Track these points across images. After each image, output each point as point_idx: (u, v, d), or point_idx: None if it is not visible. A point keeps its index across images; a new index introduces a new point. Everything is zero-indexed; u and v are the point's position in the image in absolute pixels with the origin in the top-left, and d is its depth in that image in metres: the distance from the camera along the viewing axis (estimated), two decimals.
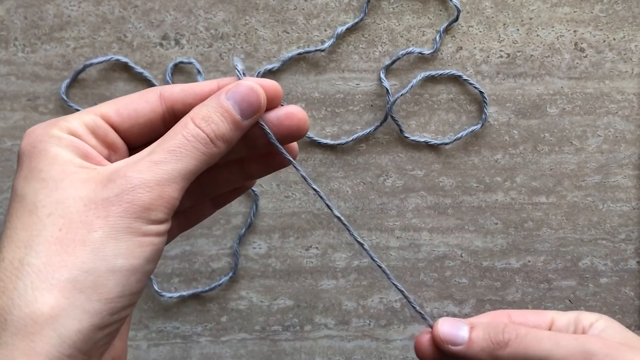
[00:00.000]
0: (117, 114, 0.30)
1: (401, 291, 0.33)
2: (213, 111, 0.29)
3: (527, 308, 0.46)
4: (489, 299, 0.46)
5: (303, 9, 0.45)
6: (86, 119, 0.29)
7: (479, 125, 0.45)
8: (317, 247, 0.46)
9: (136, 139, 0.31)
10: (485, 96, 0.45)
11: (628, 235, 0.46)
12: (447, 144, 0.45)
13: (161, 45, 0.46)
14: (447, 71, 0.45)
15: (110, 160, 0.30)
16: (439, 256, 0.46)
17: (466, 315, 0.46)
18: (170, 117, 0.30)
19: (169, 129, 0.29)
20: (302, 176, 0.33)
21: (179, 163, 0.28)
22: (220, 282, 0.46)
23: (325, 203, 0.33)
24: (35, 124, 0.45)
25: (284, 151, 0.31)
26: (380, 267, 0.33)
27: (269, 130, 0.31)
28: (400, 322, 0.46)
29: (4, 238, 0.27)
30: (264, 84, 0.30)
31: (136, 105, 0.30)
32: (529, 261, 0.46)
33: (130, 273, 0.26)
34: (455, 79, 0.45)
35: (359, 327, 0.46)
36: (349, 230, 0.33)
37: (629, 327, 0.46)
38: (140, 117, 0.30)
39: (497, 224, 0.46)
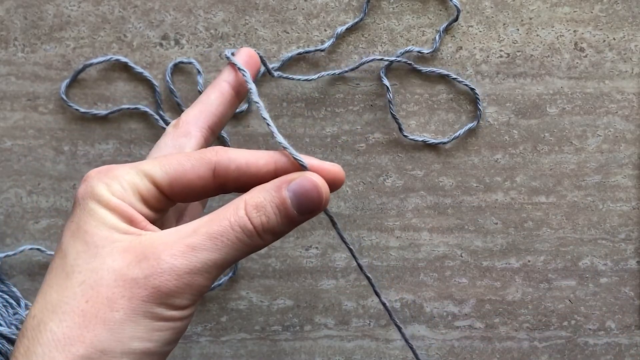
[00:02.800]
0: (170, 187, 0.29)
1: (383, 304, 0.32)
2: (269, 201, 0.28)
3: (527, 308, 0.46)
4: (489, 298, 0.46)
5: (303, 9, 0.45)
6: (140, 186, 0.29)
7: (475, 123, 0.45)
8: (317, 247, 0.46)
9: (185, 201, 0.31)
10: (477, 92, 0.45)
11: (628, 235, 0.46)
12: (445, 143, 0.45)
13: (161, 45, 0.46)
14: (436, 70, 0.45)
15: (158, 222, 0.30)
16: (439, 256, 0.46)
17: (466, 316, 0.46)
18: (225, 189, 0.30)
19: (222, 193, 0.29)
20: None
21: (216, 253, 0.27)
22: (220, 282, 0.46)
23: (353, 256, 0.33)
24: (35, 124, 0.45)
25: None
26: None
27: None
28: (400, 322, 0.46)
29: (41, 292, 0.28)
30: (328, 174, 0.30)
31: (189, 180, 0.29)
32: (529, 261, 0.46)
33: (146, 355, 0.27)
34: (455, 79, 0.45)
35: (359, 327, 0.46)
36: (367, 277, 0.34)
37: (629, 327, 0.46)
38: (192, 191, 0.30)
39: (497, 223, 0.46)
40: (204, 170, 0.29)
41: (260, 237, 0.28)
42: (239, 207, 0.28)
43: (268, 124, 0.31)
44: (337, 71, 0.45)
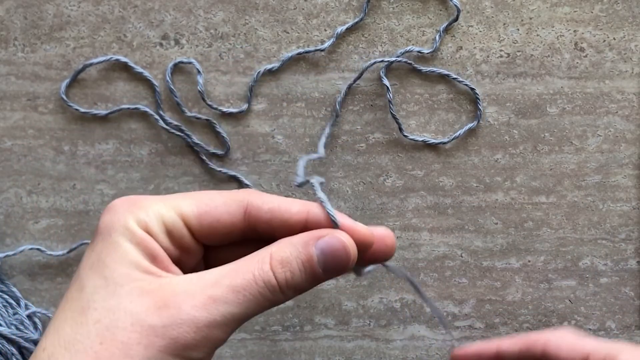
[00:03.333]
0: (198, 221, 0.28)
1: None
2: (295, 257, 0.28)
3: (528, 308, 0.46)
4: (489, 299, 0.46)
5: (303, 9, 0.45)
6: (166, 217, 0.28)
7: (475, 123, 0.45)
8: None
9: (211, 242, 0.30)
10: (477, 92, 0.45)
11: (628, 235, 0.46)
12: (445, 143, 0.45)
13: (161, 45, 0.45)
14: (436, 70, 0.45)
15: (180, 262, 0.29)
16: (439, 256, 0.46)
17: (466, 316, 0.46)
18: (252, 232, 0.29)
19: (247, 237, 0.29)
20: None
21: (238, 307, 0.27)
22: None
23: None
24: (35, 124, 0.45)
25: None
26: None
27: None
28: (400, 322, 0.46)
29: (53, 324, 0.27)
30: (359, 236, 0.29)
31: (219, 215, 0.29)
32: (529, 261, 0.46)
33: None
34: (455, 79, 0.45)
35: (359, 327, 0.46)
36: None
37: (629, 327, 0.46)
38: (221, 227, 0.29)
39: (497, 223, 0.46)
40: (235, 208, 0.29)
41: (282, 293, 0.28)
42: (264, 260, 0.27)
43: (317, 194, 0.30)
44: (343, 85, 0.45)
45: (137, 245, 0.27)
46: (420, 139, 0.45)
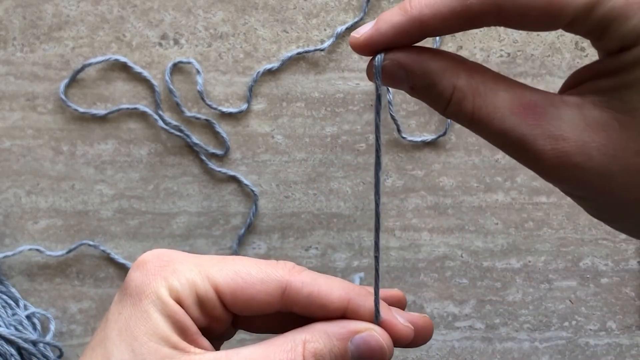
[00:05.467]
0: (233, 296, 0.27)
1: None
2: (329, 350, 0.27)
3: (528, 308, 0.46)
4: (490, 299, 0.46)
5: (302, 9, 0.45)
6: (200, 288, 0.27)
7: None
8: (316, 247, 0.46)
9: (243, 314, 0.29)
10: None
11: (628, 235, 0.46)
12: (443, 134, 0.45)
13: (160, 44, 0.45)
14: None
15: (209, 329, 0.28)
16: (439, 256, 0.46)
17: (466, 316, 0.46)
18: (287, 311, 0.28)
19: (279, 312, 0.28)
20: None
21: None
22: None
23: None
24: (34, 124, 0.45)
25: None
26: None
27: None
28: None
29: None
30: (398, 334, 0.28)
31: (255, 292, 0.27)
32: (530, 261, 0.46)
33: None
34: None
35: None
36: None
37: (629, 327, 0.46)
38: (255, 304, 0.28)
39: (497, 224, 0.46)
40: (273, 288, 0.27)
41: None
42: (297, 349, 0.27)
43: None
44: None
45: (167, 318, 0.26)
46: (419, 139, 0.45)
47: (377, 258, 0.28)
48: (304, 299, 0.28)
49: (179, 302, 0.27)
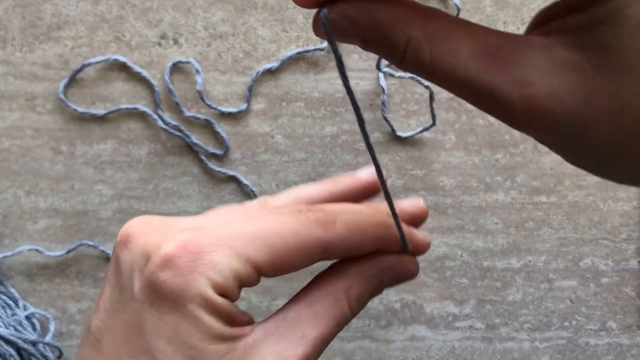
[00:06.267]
0: (272, 269, 0.26)
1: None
2: (368, 292, 0.28)
3: (528, 308, 0.46)
4: (490, 299, 0.46)
5: (302, 8, 0.45)
6: (242, 275, 0.25)
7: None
8: None
9: (277, 275, 0.28)
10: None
11: (629, 235, 0.46)
12: (434, 124, 0.45)
13: (159, 44, 0.45)
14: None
15: None
16: (439, 256, 0.46)
17: (467, 316, 0.46)
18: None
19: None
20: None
21: (320, 352, 0.26)
22: None
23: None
24: (33, 124, 0.45)
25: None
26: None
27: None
28: (400, 322, 0.46)
29: None
30: (422, 250, 0.30)
31: (295, 260, 0.27)
32: (530, 261, 0.46)
33: None
34: None
35: (359, 327, 0.46)
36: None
37: (630, 327, 0.46)
38: (293, 269, 0.27)
39: (497, 223, 0.46)
40: (312, 253, 0.27)
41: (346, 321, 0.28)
42: (342, 301, 0.27)
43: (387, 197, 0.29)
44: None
45: (218, 315, 0.25)
46: (411, 133, 0.45)
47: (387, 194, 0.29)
48: (342, 252, 0.28)
49: (225, 295, 0.25)
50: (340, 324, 0.27)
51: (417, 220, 0.31)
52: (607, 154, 0.23)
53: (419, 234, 0.30)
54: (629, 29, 0.21)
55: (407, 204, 0.31)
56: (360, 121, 0.26)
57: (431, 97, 0.44)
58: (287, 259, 0.26)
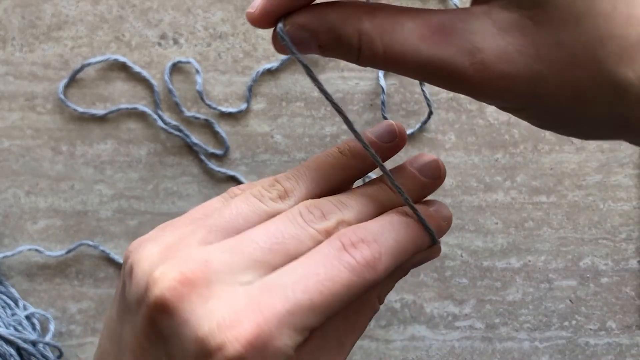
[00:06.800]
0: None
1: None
2: (394, 284, 0.29)
3: (528, 308, 0.46)
4: (490, 299, 0.46)
5: None
6: (302, 339, 0.24)
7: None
8: None
9: None
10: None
11: (629, 235, 0.46)
12: (431, 114, 0.45)
13: (159, 44, 0.45)
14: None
15: None
16: (439, 256, 0.46)
17: (466, 316, 0.46)
18: None
19: None
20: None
21: None
22: None
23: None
24: (33, 124, 0.45)
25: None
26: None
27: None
28: (400, 322, 0.46)
29: None
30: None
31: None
32: (530, 261, 0.46)
33: None
34: None
35: None
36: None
37: (630, 327, 0.46)
38: None
39: (497, 223, 0.46)
40: (364, 291, 0.26)
41: None
42: (375, 305, 0.28)
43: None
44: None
45: None
46: (413, 130, 0.45)
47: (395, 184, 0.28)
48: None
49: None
50: (370, 320, 0.28)
51: (398, 146, 0.30)
52: (569, 108, 0.24)
53: (440, 212, 0.29)
54: None
55: (379, 130, 0.30)
56: (347, 122, 0.26)
57: (421, 82, 0.44)
58: (342, 309, 0.26)
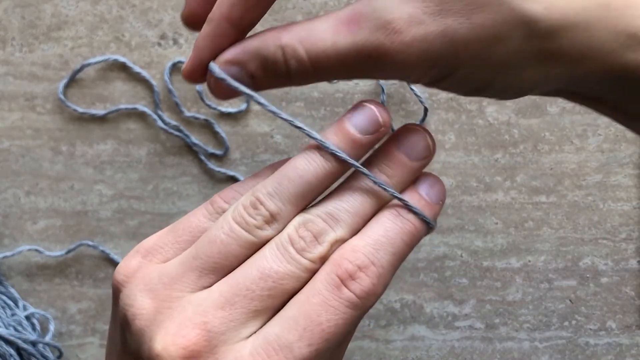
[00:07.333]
0: None
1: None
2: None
3: (528, 308, 0.46)
4: (489, 299, 0.46)
5: (302, 8, 0.45)
6: None
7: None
8: None
9: None
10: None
11: (629, 235, 0.46)
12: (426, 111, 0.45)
13: (159, 44, 0.45)
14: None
15: None
16: (439, 256, 0.46)
17: (466, 316, 0.46)
18: None
19: None
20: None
21: None
22: None
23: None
24: (33, 124, 0.45)
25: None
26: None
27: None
28: (400, 322, 0.46)
29: None
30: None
31: None
32: (530, 261, 0.46)
33: None
34: None
35: (359, 327, 0.46)
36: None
37: (630, 327, 0.46)
38: None
39: (497, 223, 0.46)
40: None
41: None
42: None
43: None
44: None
45: None
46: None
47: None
48: None
49: None
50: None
51: (382, 135, 0.28)
52: (487, 50, 0.24)
53: (433, 194, 0.28)
54: None
55: (360, 121, 0.28)
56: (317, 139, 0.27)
57: (408, 82, 0.44)
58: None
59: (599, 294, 0.46)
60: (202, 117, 0.45)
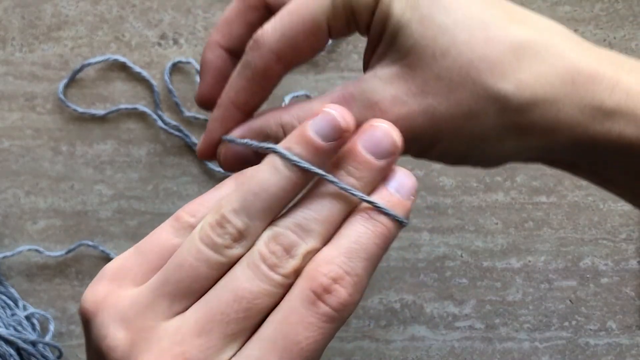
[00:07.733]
0: None
1: None
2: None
3: (528, 308, 0.46)
4: (490, 299, 0.46)
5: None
6: None
7: None
8: None
9: None
10: None
11: (629, 235, 0.46)
12: None
13: (159, 44, 0.45)
14: None
15: None
16: (439, 256, 0.46)
17: (466, 316, 0.46)
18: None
19: None
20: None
21: None
22: None
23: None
24: (33, 124, 0.45)
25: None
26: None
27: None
28: (400, 322, 0.46)
29: None
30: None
31: None
32: (530, 261, 0.46)
33: None
34: None
35: (359, 327, 0.46)
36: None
37: (630, 327, 0.46)
38: None
39: (497, 223, 0.46)
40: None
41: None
42: None
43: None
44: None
45: None
46: None
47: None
48: None
49: None
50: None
51: (346, 140, 0.27)
52: (466, 126, 0.27)
53: (404, 190, 0.27)
54: (409, 28, 0.27)
55: (322, 128, 0.27)
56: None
57: None
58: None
59: (599, 294, 0.46)
60: (202, 117, 0.45)
